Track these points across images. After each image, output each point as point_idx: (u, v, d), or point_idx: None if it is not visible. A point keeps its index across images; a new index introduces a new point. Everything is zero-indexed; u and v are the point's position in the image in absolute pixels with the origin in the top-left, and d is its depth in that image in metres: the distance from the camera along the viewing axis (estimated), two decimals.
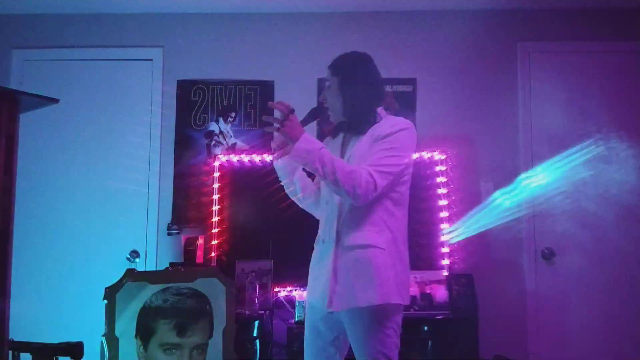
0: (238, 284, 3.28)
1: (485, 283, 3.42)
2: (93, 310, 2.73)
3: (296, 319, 3.19)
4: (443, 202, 3.50)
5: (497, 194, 3.48)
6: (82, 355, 2.14)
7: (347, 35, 3.69)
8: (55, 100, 1.64)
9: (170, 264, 3.43)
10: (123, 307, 2.44)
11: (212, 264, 3.46)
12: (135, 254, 3.64)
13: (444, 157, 3.55)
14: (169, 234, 3.62)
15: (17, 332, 1.97)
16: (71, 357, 2.12)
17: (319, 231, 2.17)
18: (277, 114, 2.00)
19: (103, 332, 2.42)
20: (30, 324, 2.67)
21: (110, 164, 3.70)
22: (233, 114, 3.77)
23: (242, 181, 3.61)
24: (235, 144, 3.74)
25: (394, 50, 3.71)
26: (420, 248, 3.40)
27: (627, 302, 3.51)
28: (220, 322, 2.55)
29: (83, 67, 3.81)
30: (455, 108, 3.68)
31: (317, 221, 2.21)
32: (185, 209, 3.68)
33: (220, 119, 3.77)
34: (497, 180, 3.54)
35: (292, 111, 1.98)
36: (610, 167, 3.41)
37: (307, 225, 2.29)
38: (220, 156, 3.67)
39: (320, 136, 3.18)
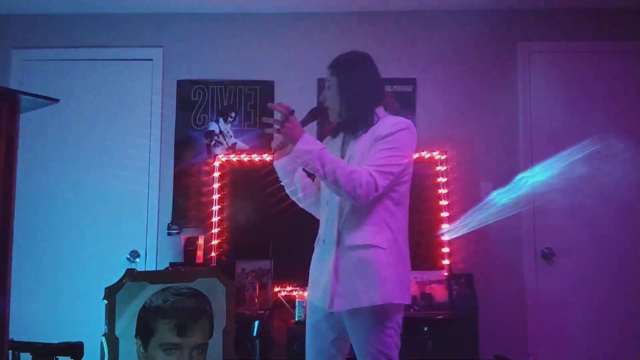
0: (238, 284, 3.28)
1: (485, 283, 3.43)
2: (93, 310, 2.73)
3: (296, 319, 3.19)
4: (443, 202, 3.50)
5: (497, 193, 3.48)
6: (82, 355, 2.15)
7: (347, 35, 3.69)
8: (56, 100, 1.64)
9: (170, 264, 3.44)
10: (123, 307, 2.45)
11: (212, 264, 3.46)
12: (135, 254, 3.64)
13: (444, 157, 3.55)
14: (169, 234, 3.63)
15: (17, 332, 1.97)
16: (71, 357, 2.12)
17: (320, 231, 2.16)
18: (277, 115, 1.99)
19: (103, 332, 2.43)
20: (30, 324, 2.67)
21: (110, 164, 3.69)
22: (233, 114, 3.77)
23: (242, 181, 3.61)
24: (235, 144, 3.74)
25: (394, 50, 3.71)
26: (420, 248, 3.40)
27: (627, 302, 3.51)
28: (220, 322, 2.55)
29: (83, 67, 3.81)
30: (455, 108, 3.68)
31: (317, 221, 2.21)
32: (185, 209, 3.68)
33: (220, 119, 3.77)
34: (497, 180, 3.54)
35: (292, 113, 1.98)
36: (611, 167, 3.40)
37: (307, 225, 2.29)
38: (220, 156, 3.67)
39: (320, 136, 3.18)
